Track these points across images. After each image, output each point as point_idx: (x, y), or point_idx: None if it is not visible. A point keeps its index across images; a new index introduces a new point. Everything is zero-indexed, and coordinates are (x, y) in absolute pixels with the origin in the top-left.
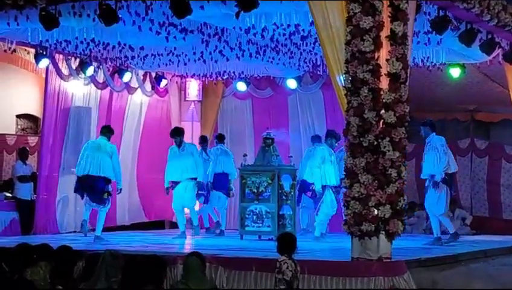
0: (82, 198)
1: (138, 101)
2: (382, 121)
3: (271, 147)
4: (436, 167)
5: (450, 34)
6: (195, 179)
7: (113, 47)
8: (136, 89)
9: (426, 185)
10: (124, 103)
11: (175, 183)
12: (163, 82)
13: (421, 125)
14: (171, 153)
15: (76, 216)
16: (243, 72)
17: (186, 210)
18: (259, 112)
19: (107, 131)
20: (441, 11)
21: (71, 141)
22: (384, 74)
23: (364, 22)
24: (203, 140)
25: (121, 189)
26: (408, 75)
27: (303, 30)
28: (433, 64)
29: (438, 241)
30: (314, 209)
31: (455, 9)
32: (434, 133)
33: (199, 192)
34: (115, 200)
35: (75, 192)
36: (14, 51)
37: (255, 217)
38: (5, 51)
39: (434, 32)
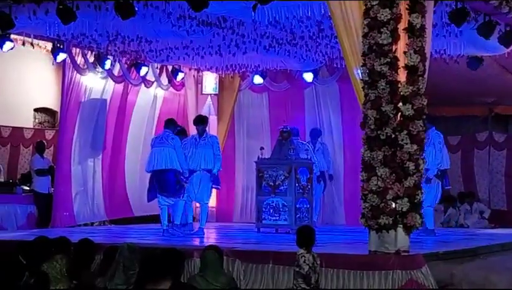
0: (151, 199)
1: (153, 95)
2: (400, 114)
3: (288, 140)
4: (431, 163)
5: (468, 26)
6: (210, 171)
7: (130, 41)
8: (153, 82)
9: None
10: (141, 96)
11: (190, 173)
12: (180, 75)
13: None
14: (191, 141)
15: (94, 209)
16: (259, 66)
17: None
18: (276, 105)
19: (170, 124)
20: (459, 3)
21: (88, 134)
22: (402, 67)
23: (382, 14)
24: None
25: (186, 178)
26: (426, 67)
27: (320, 23)
28: (450, 56)
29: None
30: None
31: (473, 1)
32: (434, 128)
33: (214, 186)
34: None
35: (148, 192)
36: (32, 44)
37: (271, 210)
38: (22, 44)
39: (452, 24)
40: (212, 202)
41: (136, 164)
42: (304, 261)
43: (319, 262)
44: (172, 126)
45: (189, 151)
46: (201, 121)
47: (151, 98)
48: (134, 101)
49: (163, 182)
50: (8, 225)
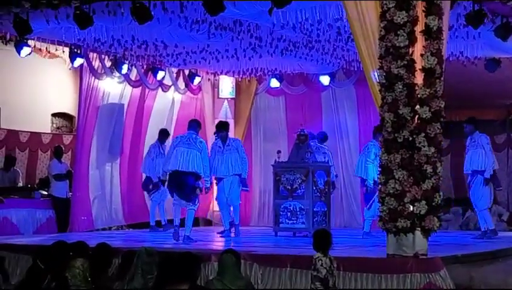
0: (172, 196)
1: (170, 99)
2: (417, 116)
3: (305, 143)
4: (485, 164)
5: (485, 28)
6: (240, 175)
7: (147, 45)
8: (170, 86)
9: (469, 180)
10: (158, 100)
11: (219, 180)
12: (197, 79)
13: (464, 123)
14: (215, 149)
15: (112, 213)
16: (276, 69)
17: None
18: (293, 109)
19: (195, 125)
20: (476, 5)
21: (106, 139)
22: (419, 69)
23: (398, 16)
24: (163, 134)
25: (207, 188)
26: (443, 70)
27: (337, 26)
28: (468, 58)
29: (485, 234)
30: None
31: (491, 2)
32: (478, 131)
33: (243, 188)
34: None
35: (167, 187)
36: (48, 50)
37: (289, 213)
38: (40, 49)
39: (469, 26)
40: None
41: None
42: (321, 265)
43: (335, 265)
44: (197, 127)
45: (214, 158)
46: (223, 127)
47: (168, 102)
48: (152, 105)
49: (182, 184)
50: (25, 230)
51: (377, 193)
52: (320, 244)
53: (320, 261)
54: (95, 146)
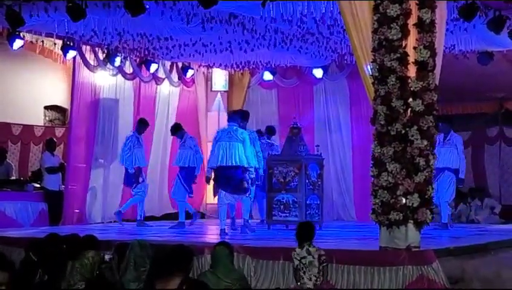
0: (215, 194)
1: (167, 92)
2: (410, 109)
3: (298, 136)
4: (459, 165)
5: (478, 21)
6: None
7: (140, 37)
8: (164, 79)
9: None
10: (153, 93)
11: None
12: (190, 72)
13: (439, 122)
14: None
15: (105, 207)
16: (269, 62)
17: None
18: (285, 102)
19: (236, 116)
20: None
21: (99, 132)
22: (412, 62)
23: (392, 9)
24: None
25: (252, 178)
26: (436, 63)
27: (330, 19)
28: (460, 51)
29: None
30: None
31: None
32: (452, 131)
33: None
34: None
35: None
36: (42, 42)
37: (282, 206)
38: (32, 42)
39: (462, 19)
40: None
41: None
42: (293, 256)
43: (316, 257)
44: (237, 118)
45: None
46: (176, 129)
47: (164, 95)
48: (147, 98)
49: (230, 179)
50: (18, 223)
51: None
52: (297, 235)
53: (293, 253)
54: (88, 139)
